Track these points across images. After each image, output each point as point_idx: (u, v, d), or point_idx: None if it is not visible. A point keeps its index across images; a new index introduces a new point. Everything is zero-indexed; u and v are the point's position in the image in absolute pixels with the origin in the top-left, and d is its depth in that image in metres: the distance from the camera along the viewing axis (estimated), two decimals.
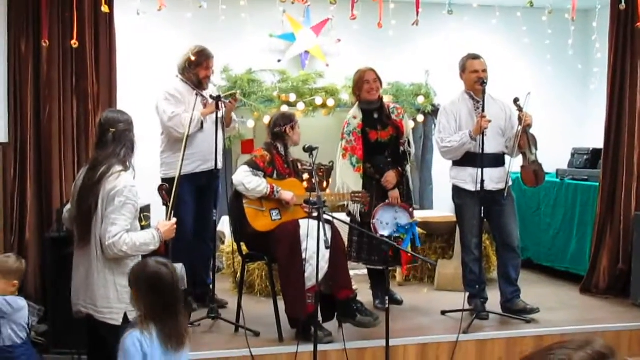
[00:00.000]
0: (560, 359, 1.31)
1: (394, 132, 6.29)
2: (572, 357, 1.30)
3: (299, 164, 6.05)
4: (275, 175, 5.72)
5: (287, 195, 5.62)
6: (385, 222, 6.13)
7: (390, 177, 6.20)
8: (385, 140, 6.28)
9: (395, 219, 6.16)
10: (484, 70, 6.07)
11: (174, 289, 3.62)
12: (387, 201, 6.18)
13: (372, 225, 6.06)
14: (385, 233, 6.03)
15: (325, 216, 4.84)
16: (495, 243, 6.56)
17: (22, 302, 4.43)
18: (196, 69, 6.12)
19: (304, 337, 5.19)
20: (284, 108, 8.00)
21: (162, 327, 3.51)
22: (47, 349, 4.74)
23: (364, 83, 6.25)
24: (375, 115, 6.31)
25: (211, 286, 5.93)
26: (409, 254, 5.90)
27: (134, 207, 4.13)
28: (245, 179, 5.54)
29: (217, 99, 5.90)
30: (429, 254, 7.42)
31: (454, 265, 7.11)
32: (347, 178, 6.17)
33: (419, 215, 7.26)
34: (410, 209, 6.30)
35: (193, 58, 6.03)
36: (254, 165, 5.63)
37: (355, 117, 6.31)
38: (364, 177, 6.21)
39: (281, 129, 5.82)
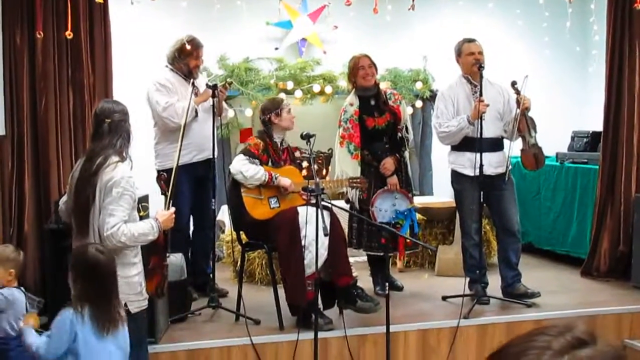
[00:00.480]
0: (540, 346, 1.29)
1: (391, 118, 6.27)
2: (551, 343, 1.29)
3: (298, 152, 6.03)
4: (270, 163, 5.69)
5: (285, 181, 5.60)
6: (384, 209, 6.12)
7: (388, 163, 6.18)
8: (382, 126, 6.25)
9: (394, 205, 6.15)
10: (480, 53, 6.05)
11: (110, 275, 3.85)
12: (385, 188, 6.17)
13: (370, 213, 6.05)
14: (385, 220, 6.02)
15: (323, 203, 4.85)
16: (495, 228, 6.55)
17: (18, 294, 4.42)
18: (187, 58, 6.11)
19: (304, 325, 5.19)
20: (281, 96, 7.97)
21: (95, 311, 3.75)
22: None
23: (358, 69, 6.22)
24: (372, 102, 6.28)
25: (211, 275, 5.93)
26: (408, 241, 5.89)
27: (131, 198, 4.12)
28: (243, 167, 5.52)
29: (214, 87, 5.87)
30: (429, 240, 7.41)
31: (454, 250, 7.10)
32: (345, 166, 6.15)
33: (419, 201, 7.26)
34: (410, 195, 6.29)
35: (188, 47, 6.00)
36: (249, 153, 5.61)
37: (351, 104, 6.28)
38: (362, 164, 6.20)
39: (266, 117, 5.78)
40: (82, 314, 3.74)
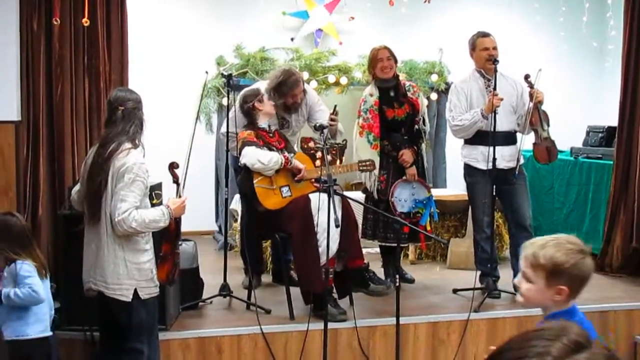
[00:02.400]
0: (539, 352, 1.30)
1: (410, 109, 6.26)
2: (550, 349, 1.30)
3: (312, 142, 6.03)
4: (267, 148, 5.68)
5: (299, 164, 5.61)
6: (404, 199, 6.13)
7: (406, 155, 6.16)
8: (401, 117, 6.25)
9: (413, 195, 6.15)
10: (494, 48, 6.03)
11: (22, 228, 4.43)
12: (403, 178, 6.16)
13: (390, 203, 6.05)
14: (404, 210, 6.03)
15: (335, 191, 4.86)
16: (507, 222, 6.53)
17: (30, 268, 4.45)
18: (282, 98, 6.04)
19: (318, 313, 5.19)
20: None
21: (32, 259, 4.31)
22: (58, 326, 4.78)
23: (377, 61, 6.21)
24: (392, 93, 6.27)
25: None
26: (429, 229, 5.91)
27: (143, 184, 4.15)
28: (259, 155, 5.47)
29: (228, 77, 5.88)
30: (441, 233, 7.41)
31: (466, 243, 7.10)
32: (364, 155, 6.12)
33: (432, 193, 7.24)
34: (429, 184, 6.29)
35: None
36: (252, 143, 5.57)
37: (371, 95, 6.27)
38: (380, 155, 6.19)
39: (250, 105, 5.77)
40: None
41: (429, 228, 6.06)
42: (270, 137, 5.75)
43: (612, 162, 7.05)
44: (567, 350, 1.29)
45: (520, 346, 1.34)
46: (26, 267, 4.19)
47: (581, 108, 9.19)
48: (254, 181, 5.51)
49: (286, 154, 5.58)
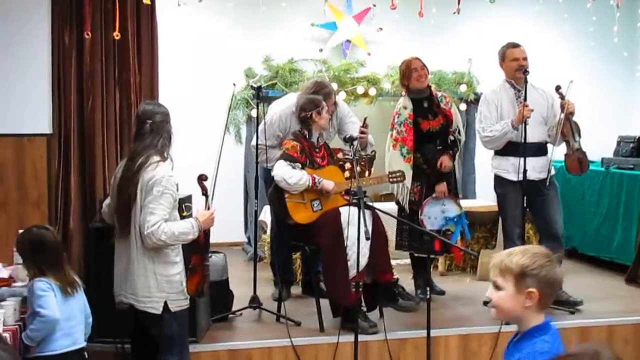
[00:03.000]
0: None
1: (444, 120, 6.23)
2: None
3: (341, 153, 6.02)
4: (309, 164, 5.68)
5: (328, 185, 5.59)
6: (433, 216, 6.07)
7: (445, 160, 6.13)
8: (436, 129, 6.22)
9: (443, 212, 6.09)
10: (525, 58, 6.01)
11: (56, 245, 4.28)
12: (433, 195, 6.12)
13: (420, 221, 6.01)
14: (434, 227, 5.98)
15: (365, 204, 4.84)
16: (539, 233, 6.47)
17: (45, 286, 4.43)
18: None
19: (348, 327, 5.17)
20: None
21: (56, 277, 4.16)
22: (90, 338, 4.79)
23: (412, 71, 6.18)
24: (425, 104, 6.24)
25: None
26: (454, 247, 5.85)
27: (172, 197, 4.16)
28: (287, 174, 5.49)
29: (258, 89, 5.89)
30: (471, 244, 7.36)
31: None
32: (397, 168, 6.10)
33: (462, 204, 7.20)
34: (458, 200, 6.25)
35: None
36: (289, 158, 5.58)
37: (405, 108, 6.24)
38: (413, 167, 6.16)
39: (307, 114, 5.76)
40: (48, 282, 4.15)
41: (452, 246, 6.00)
42: (316, 152, 5.76)
43: None
44: None
45: None
46: (40, 285, 4.13)
47: (611, 118, 9.12)
48: (285, 195, 5.51)
49: (315, 176, 5.56)
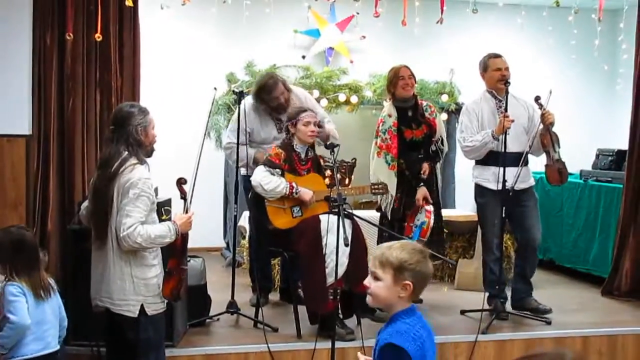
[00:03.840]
0: None
1: (428, 130, 6.24)
2: None
3: (321, 160, 6.02)
4: (290, 171, 5.66)
5: (306, 195, 5.57)
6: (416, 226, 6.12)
7: (425, 167, 6.16)
8: (419, 138, 6.22)
9: (418, 220, 6.13)
10: (507, 69, 6.05)
11: (33, 247, 4.28)
12: (417, 205, 6.13)
13: (407, 229, 6.03)
14: (415, 238, 6.01)
15: (345, 212, 4.84)
16: (516, 242, 6.50)
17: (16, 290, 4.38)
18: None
19: (324, 334, 5.17)
20: None
21: (30, 280, 4.18)
22: (66, 341, 4.76)
23: (399, 79, 6.18)
24: (410, 113, 6.25)
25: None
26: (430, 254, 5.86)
27: (148, 200, 4.14)
28: (263, 180, 5.48)
29: (240, 94, 5.89)
30: (449, 253, 7.38)
31: (474, 265, 7.07)
32: (382, 176, 6.10)
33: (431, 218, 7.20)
34: (429, 208, 6.22)
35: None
36: (270, 164, 5.58)
37: (390, 116, 6.24)
38: (398, 176, 6.16)
39: (285, 125, 5.80)
40: (21, 285, 4.17)
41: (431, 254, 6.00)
42: (301, 164, 5.75)
43: (621, 186, 7.02)
44: None
45: None
46: (11, 290, 4.12)
47: (591, 131, 9.19)
48: (266, 200, 5.51)
49: (293, 184, 5.56)
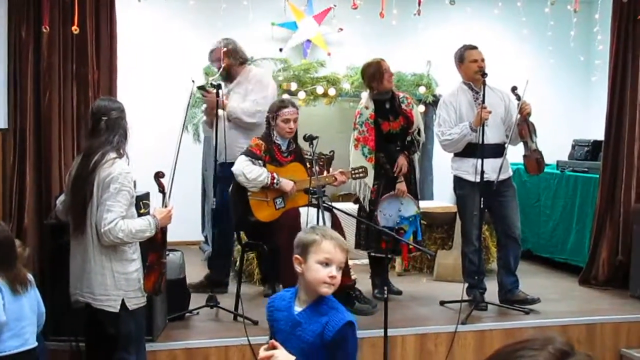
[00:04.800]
0: (527, 356, 1.33)
1: (405, 122, 6.26)
2: (537, 358, 1.32)
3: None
4: (271, 162, 5.65)
5: (287, 185, 5.57)
6: (389, 214, 6.12)
7: (403, 166, 6.17)
8: (396, 130, 6.24)
9: (400, 211, 6.14)
10: (483, 60, 6.06)
11: (9, 241, 4.14)
12: (392, 192, 6.15)
13: (374, 217, 6.04)
14: (388, 224, 6.01)
15: (324, 205, 4.85)
16: (496, 234, 6.54)
17: None
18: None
19: None
20: (285, 96, 7.97)
21: (7, 275, 4.04)
22: (45, 337, 4.73)
23: (383, 72, 6.19)
24: (387, 105, 6.26)
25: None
26: (411, 247, 5.89)
27: (129, 194, 4.14)
28: (246, 169, 5.48)
29: (218, 87, 5.87)
30: (428, 245, 7.40)
31: (453, 255, 7.11)
32: None
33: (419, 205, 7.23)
34: (417, 201, 6.27)
35: None
36: (251, 154, 5.57)
37: (367, 108, 6.26)
38: (376, 167, 6.18)
39: (266, 116, 5.79)
40: None
41: (410, 246, 6.04)
42: (282, 155, 5.72)
43: (598, 176, 7.07)
44: (554, 358, 1.31)
45: (508, 357, 1.35)
46: None
47: (567, 122, 9.24)
48: (248, 193, 5.49)
49: (275, 175, 5.54)
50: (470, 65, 6.06)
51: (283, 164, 5.68)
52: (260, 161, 5.55)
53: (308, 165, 5.85)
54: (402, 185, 6.18)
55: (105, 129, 4.20)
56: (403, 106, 6.30)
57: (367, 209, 6.21)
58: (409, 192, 6.24)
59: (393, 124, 6.23)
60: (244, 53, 6.36)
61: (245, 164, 5.51)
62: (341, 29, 8.86)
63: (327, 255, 2.95)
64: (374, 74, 6.25)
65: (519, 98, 5.97)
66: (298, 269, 2.99)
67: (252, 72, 6.33)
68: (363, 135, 6.21)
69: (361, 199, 6.25)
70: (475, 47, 6.15)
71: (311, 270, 2.95)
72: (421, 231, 6.36)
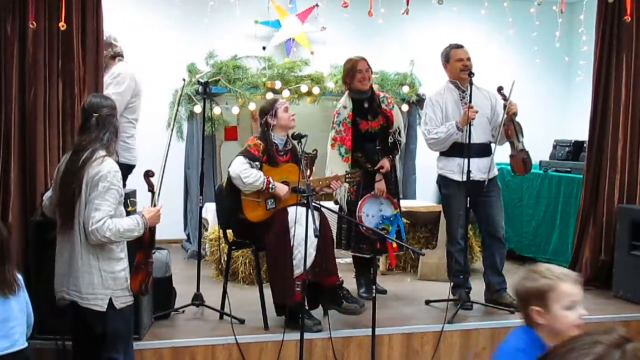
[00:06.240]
0: (589, 342, 1.37)
1: (384, 121, 6.26)
2: (600, 339, 1.36)
3: None
4: (269, 162, 5.61)
5: (281, 190, 5.49)
6: (371, 214, 6.13)
7: (384, 163, 6.17)
8: (375, 130, 6.25)
9: (380, 211, 6.15)
10: (468, 59, 6.07)
11: (5, 243, 4.09)
12: (372, 193, 6.15)
13: (358, 218, 6.04)
14: (371, 225, 6.01)
15: (313, 204, 4.83)
16: (481, 233, 6.55)
17: None
18: None
19: (292, 325, 5.16)
20: (269, 95, 7.97)
21: None
22: (30, 335, 4.68)
23: (356, 72, 6.19)
24: (366, 105, 6.26)
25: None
26: (397, 245, 5.90)
27: (118, 193, 4.10)
28: (243, 173, 5.37)
29: (205, 84, 5.82)
30: (412, 244, 7.42)
31: (437, 255, 7.12)
32: (336, 168, 6.12)
33: (403, 205, 7.23)
34: (395, 200, 6.28)
35: None
36: (249, 155, 5.49)
37: (345, 107, 6.26)
38: (352, 167, 6.17)
39: (262, 121, 5.73)
40: None
41: (394, 245, 6.04)
42: (280, 155, 5.68)
43: (581, 176, 7.11)
44: (618, 341, 1.39)
45: (569, 342, 1.43)
46: None
47: (549, 121, 9.30)
48: (241, 193, 5.44)
49: (270, 179, 5.50)
50: (456, 65, 6.07)
51: (279, 164, 5.63)
52: (257, 162, 5.47)
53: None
54: (380, 184, 6.18)
55: (96, 126, 4.16)
56: (383, 106, 6.30)
57: (346, 209, 6.21)
58: (389, 192, 6.24)
59: (372, 123, 6.23)
60: (117, 48, 6.17)
61: (242, 167, 5.42)
62: (324, 28, 8.85)
63: (571, 298, 2.76)
64: (348, 70, 6.27)
65: (505, 98, 5.99)
66: (540, 320, 2.76)
67: (116, 67, 6.18)
68: (340, 135, 6.21)
69: (338, 199, 6.25)
70: (461, 46, 6.16)
71: (559, 318, 2.74)
72: (404, 230, 6.36)
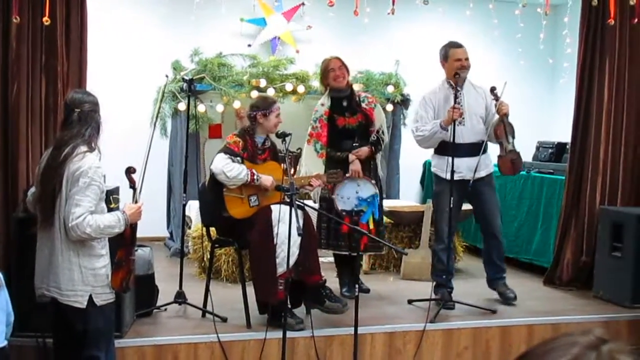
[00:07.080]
0: (567, 342, 1.39)
1: (363, 119, 6.27)
2: (577, 340, 1.38)
3: None
4: (249, 159, 5.60)
5: (267, 181, 5.50)
6: (346, 197, 6.10)
7: (362, 150, 6.18)
8: (353, 126, 6.25)
9: (357, 193, 6.11)
10: (467, 59, 6.08)
11: None
12: (347, 175, 6.13)
13: (333, 201, 6.05)
14: (347, 208, 6.02)
15: (297, 202, 4.83)
16: (480, 231, 6.54)
17: None
18: None
19: (275, 324, 5.16)
20: (254, 93, 7.95)
21: None
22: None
23: (329, 71, 6.25)
24: (344, 103, 6.29)
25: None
26: (372, 228, 5.91)
27: (98, 189, 4.06)
28: (226, 167, 5.38)
29: (190, 82, 5.81)
30: (395, 243, 7.43)
31: (420, 254, 7.14)
32: (311, 163, 6.18)
33: (386, 204, 7.24)
34: (373, 181, 6.24)
35: None
36: (230, 152, 5.49)
37: (323, 105, 6.31)
38: (327, 163, 6.19)
39: (252, 114, 5.71)
40: None
41: (371, 226, 6.03)
42: (259, 153, 5.67)
43: (563, 177, 7.14)
44: (595, 343, 1.38)
45: (547, 342, 1.45)
46: None
47: (532, 123, 9.32)
48: (224, 189, 5.43)
49: (254, 171, 5.49)
50: (453, 64, 6.06)
51: (258, 162, 5.63)
52: (239, 158, 5.48)
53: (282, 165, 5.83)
54: (354, 165, 6.16)
55: (78, 121, 4.13)
56: (363, 105, 6.32)
57: (320, 206, 6.22)
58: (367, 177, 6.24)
59: (349, 119, 6.25)
60: None
61: (225, 162, 5.41)
62: (310, 27, 8.85)
63: None
64: (323, 71, 6.36)
65: (497, 98, 6.00)
66: None
67: None
68: (316, 131, 6.25)
69: (311, 196, 6.28)
70: (460, 46, 6.15)
71: None
72: (379, 211, 6.33)
